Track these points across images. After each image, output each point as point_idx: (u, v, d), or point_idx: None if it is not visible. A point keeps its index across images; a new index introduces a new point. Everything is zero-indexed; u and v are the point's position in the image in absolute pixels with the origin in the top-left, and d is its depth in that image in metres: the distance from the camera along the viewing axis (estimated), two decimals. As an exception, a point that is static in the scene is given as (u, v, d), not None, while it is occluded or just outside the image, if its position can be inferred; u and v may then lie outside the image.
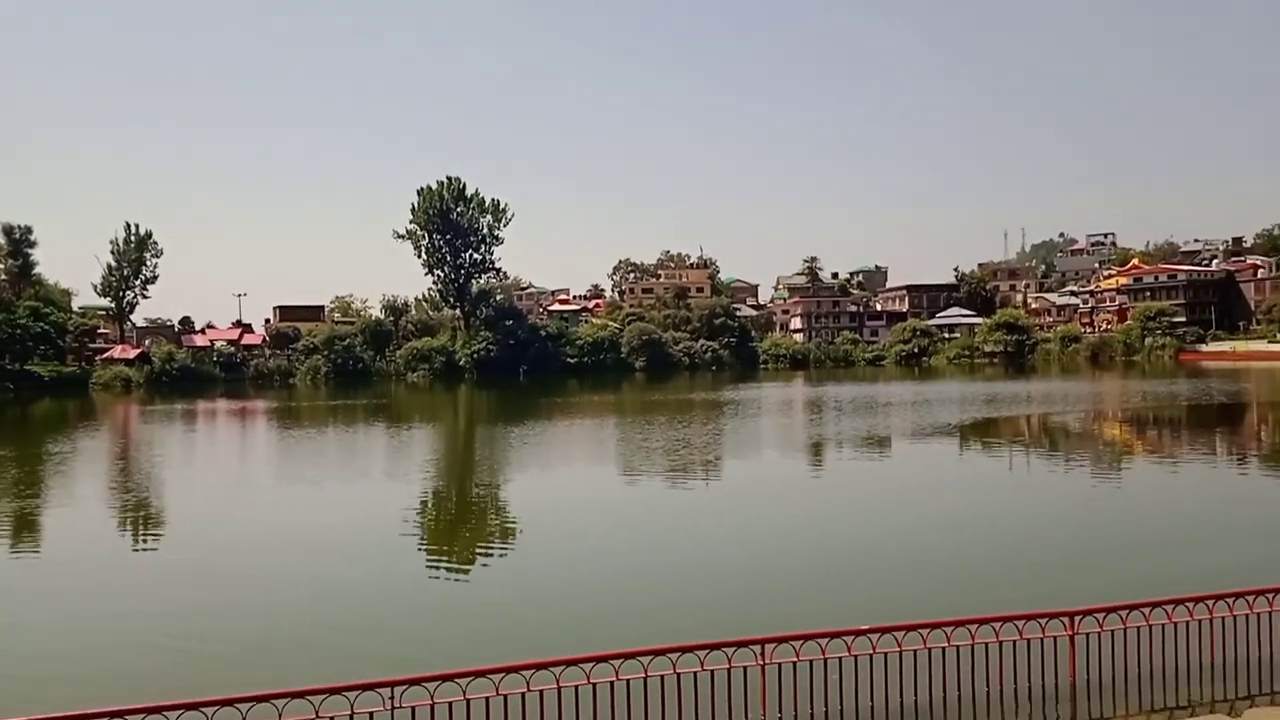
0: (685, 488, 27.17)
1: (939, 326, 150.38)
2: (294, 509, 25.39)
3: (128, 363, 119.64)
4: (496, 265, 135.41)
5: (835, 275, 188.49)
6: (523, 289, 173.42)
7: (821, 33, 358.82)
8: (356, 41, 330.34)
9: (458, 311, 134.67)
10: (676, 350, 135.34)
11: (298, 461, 37.16)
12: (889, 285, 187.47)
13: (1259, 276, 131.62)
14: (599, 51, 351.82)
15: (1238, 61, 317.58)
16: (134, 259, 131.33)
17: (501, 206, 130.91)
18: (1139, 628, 9.58)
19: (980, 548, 18.02)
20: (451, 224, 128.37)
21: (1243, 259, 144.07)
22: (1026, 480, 27.71)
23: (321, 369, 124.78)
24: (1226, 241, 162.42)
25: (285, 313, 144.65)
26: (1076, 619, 9.41)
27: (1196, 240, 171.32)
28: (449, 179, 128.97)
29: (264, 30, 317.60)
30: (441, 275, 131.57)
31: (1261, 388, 64.32)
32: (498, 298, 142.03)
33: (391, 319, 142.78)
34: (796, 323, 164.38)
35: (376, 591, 15.63)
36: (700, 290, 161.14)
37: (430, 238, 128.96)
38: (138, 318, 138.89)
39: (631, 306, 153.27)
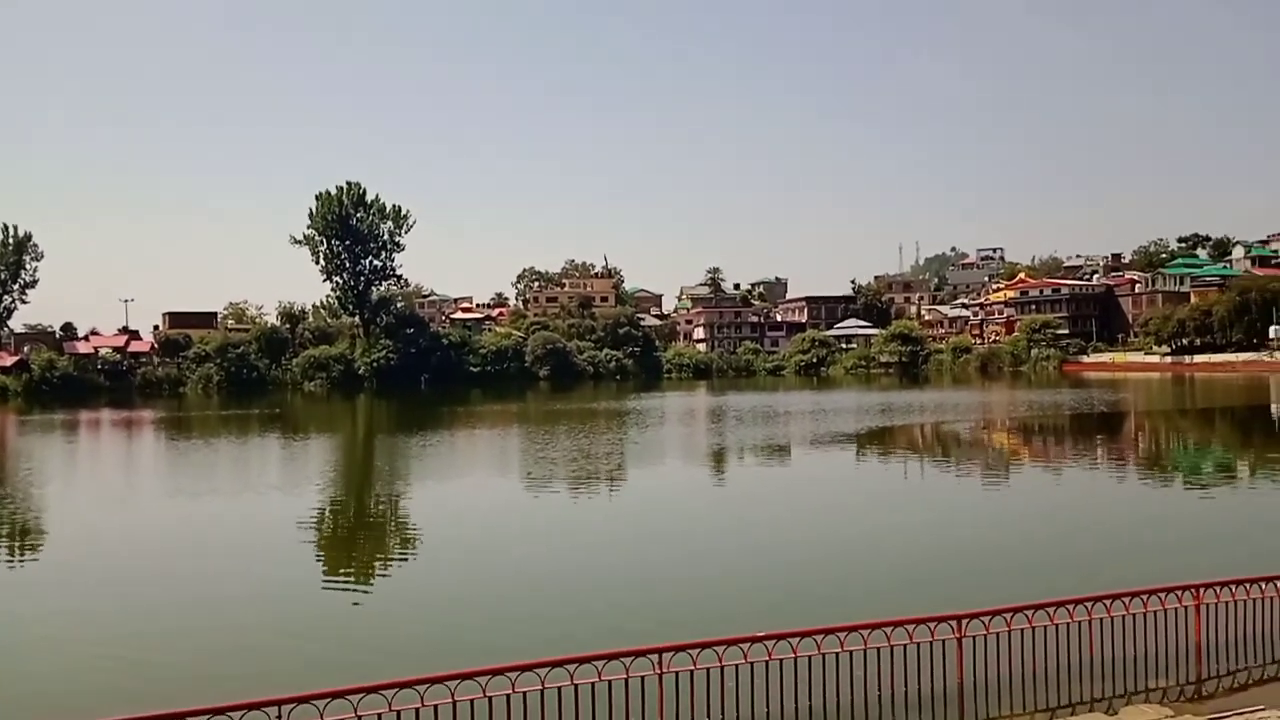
0: (587, 498, 27.09)
1: (837, 337, 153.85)
2: (178, 522, 24.42)
3: (3, 370, 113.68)
4: (398, 272, 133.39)
5: (737, 286, 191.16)
6: (425, 297, 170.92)
7: (726, 48, 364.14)
8: (246, 40, 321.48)
9: (357, 319, 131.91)
10: (581, 359, 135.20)
11: (185, 474, 35.77)
12: (789, 296, 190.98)
13: (1136, 291, 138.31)
14: (506, 57, 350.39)
15: (1120, 89, 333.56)
16: (12, 262, 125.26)
17: (403, 213, 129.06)
18: (1022, 630, 9.89)
19: (872, 553, 18.38)
20: (351, 230, 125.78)
21: (1121, 274, 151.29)
22: (920, 487, 28.44)
23: (213, 377, 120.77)
24: (1106, 257, 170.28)
25: (176, 319, 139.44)
26: (963, 622, 9.67)
27: (1079, 256, 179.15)
28: (349, 184, 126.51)
29: (151, 26, 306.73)
30: (340, 282, 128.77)
31: (1139, 397, 67.46)
32: (399, 305, 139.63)
33: (288, 326, 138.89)
34: (700, 333, 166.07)
35: (253, 607, 15.09)
36: (605, 300, 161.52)
37: (329, 243, 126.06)
38: (16, 324, 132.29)
39: (536, 315, 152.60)
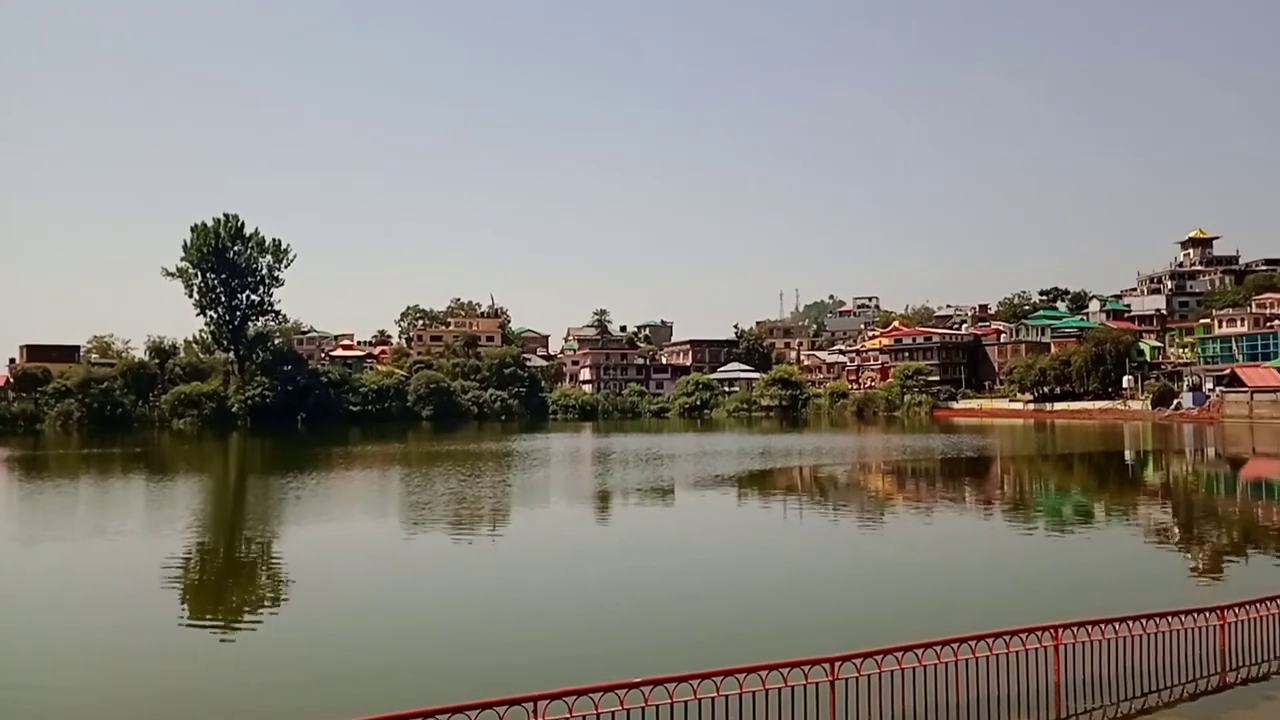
0: (467, 541, 26.68)
1: (720, 380, 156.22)
2: (31, 568, 22.99)
3: None
4: (276, 308, 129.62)
5: (624, 328, 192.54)
6: (304, 333, 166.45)
7: (610, 92, 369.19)
8: (130, 64, 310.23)
9: (232, 355, 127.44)
10: (465, 399, 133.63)
11: (30, 518, 33.69)
12: (675, 339, 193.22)
13: (1001, 340, 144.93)
14: (389, 93, 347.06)
15: (985, 151, 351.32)
16: None
17: (283, 247, 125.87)
18: (893, 671, 10.15)
19: (747, 596, 18.57)
20: (228, 263, 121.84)
21: (988, 324, 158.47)
22: (798, 530, 28.98)
23: (74, 414, 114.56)
24: (974, 308, 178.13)
25: (34, 353, 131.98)
26: (836, 665, 9.88)
27: (949, 306, 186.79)
28: (226, 216, 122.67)
29: (31, 43, 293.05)
30: (215, 316, 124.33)
31: (1004, 442, 70.46)
32: (276, 342, 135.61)
33: (157, 361, 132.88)
34: (586, 374, 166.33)
35: (110, 655, 14.33)
36: (491, 339, 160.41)
37: (204, 277, 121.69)
38: None
39: (420, 354, 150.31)
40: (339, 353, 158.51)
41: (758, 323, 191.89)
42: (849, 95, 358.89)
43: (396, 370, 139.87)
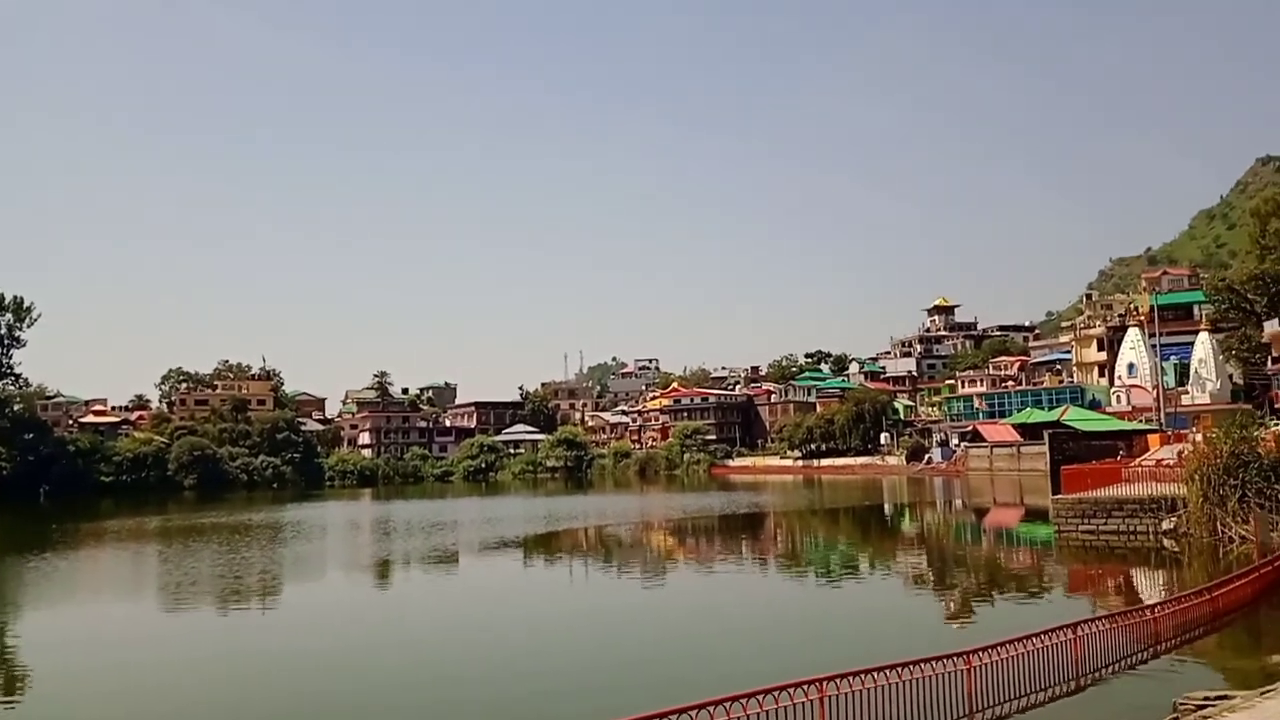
0: (232, 617, 25.22)
1: (505, 442, 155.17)
2: None
3: None
4: (15, 370, 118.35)
5: (406, 390, 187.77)
6: (49, 398, 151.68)
7: (373, 147, 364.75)
8: None
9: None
10: (234, 466, 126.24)
11: None
12: (459, 402, 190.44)
13: (772, 401, 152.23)
14: (132, 145, 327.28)
15: (742, 225, 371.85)
16: None
17: (25, 305, 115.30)
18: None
19: (533, 659, 18.64)
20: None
21: (760, 385, 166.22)
22: (581, 592, 29.25)
23: None
24: (747, 369, 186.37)
25: None
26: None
27: (723, 368, 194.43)
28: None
29: None
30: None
31: (777, 498, 73.72)
32: (16, 408, 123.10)
33: None
34: (365, 438, 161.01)
35: None
36: (263, 403, 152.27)
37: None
38: None
39: (183, 419, 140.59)
40: (89, 419, 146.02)
41: (543, 384, 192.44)
42: (622, 162, 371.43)
43: (156, 437, 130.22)
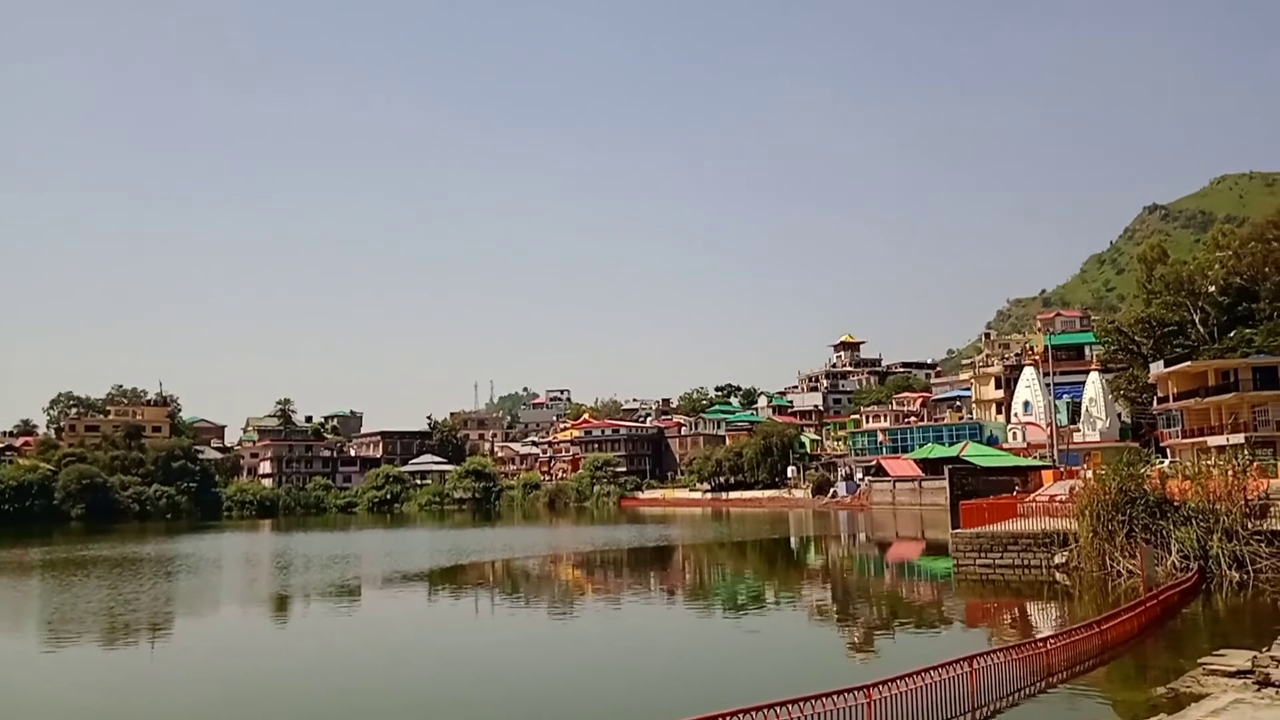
0: (118, 653, 24.10)
1: (412, 473, 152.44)
2: None
3: None
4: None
5: (309, 419, 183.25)
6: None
7: (277, 178, 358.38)
8: None
9: None
10: (125, 496, 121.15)
11: None
12: (364, 431, 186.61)
13: (682, 433, 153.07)
14: (60, 155, 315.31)
15: (665, 256, 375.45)
16: None
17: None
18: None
19: (439, 692, 18.29)
20: None
21: (670, 417, 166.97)
22: (488, 624, 28.80)
23: None
24: (658, 402, 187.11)
25: None
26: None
27: (635, 399, 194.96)
28: None
29: None
30: None
31: (685, 531, 73.91)
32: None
33: None
34: (266, 467, 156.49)
35: None
36: (158, 430, 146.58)
37: None
38: None
39: (71, 446, 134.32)
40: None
41: (452, 414, 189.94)
42: (536, 191, 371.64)
43: (42, 464, 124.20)
